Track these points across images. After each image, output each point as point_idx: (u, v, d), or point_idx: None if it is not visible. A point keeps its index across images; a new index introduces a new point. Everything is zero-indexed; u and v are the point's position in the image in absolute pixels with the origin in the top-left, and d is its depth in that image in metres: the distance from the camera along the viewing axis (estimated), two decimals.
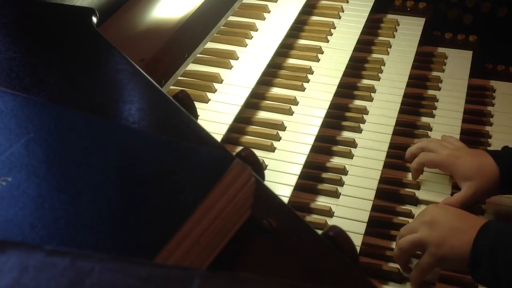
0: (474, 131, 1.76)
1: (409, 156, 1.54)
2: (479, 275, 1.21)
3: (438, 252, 1.25)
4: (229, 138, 1.47)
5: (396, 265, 1.34)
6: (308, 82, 1.67)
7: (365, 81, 1.79)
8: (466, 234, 1.23)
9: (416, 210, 1.47)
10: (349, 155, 1.54)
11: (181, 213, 0.63)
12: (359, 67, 1.84)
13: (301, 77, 1.68)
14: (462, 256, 1.22)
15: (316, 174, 1.48)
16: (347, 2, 2.00)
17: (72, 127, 0.77)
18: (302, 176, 1.41)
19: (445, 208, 1.35)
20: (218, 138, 1.37)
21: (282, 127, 1.53)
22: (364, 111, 1.68)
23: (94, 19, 1.15)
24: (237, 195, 0.69)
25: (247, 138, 1.50)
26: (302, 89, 1.65)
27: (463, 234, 1.23)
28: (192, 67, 1.58)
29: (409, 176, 1.55)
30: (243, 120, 1.54)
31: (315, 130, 1.52)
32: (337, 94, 1.64)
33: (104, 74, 1.03)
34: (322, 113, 1.57)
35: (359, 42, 1.85)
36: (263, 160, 1.41)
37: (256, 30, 1.75)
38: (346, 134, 1.61)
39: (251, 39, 1.72)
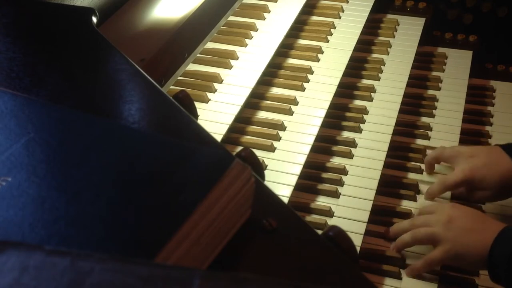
0: (474, 131, 1.76)
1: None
2: (496, 276, 1.23)
3: (451, 250, 1.27)
4: (229, 138, 1.47)
5: (396, 265, 1.34)
6: (308, 82, 1.67)
7: (365, 81, 1.79)
8: (481, 235, 1.25)
9: (416, 210, 1.47)
10: (349, 155, 1.54)
11: (181, 213, 0.63)
12: (359, 67, 1.84)
13: (301, 77, 1.68)
14: (476, 255, 1.24)
15: (316, 174, 1.48)
16: (347, 2, 2.00)
17: (72, 127, 0.77)
18: (302, 176, 1.41)
19: (462, 208, 1.35)
20: (218, 138, 1.37)
21: (282, 127, 1.53)
22: (364, 111, 1.68)
23: (94, 19, 1.15)
24: (237, 195, 0.69)
25: (247, 138, 1.50)
26: (302, 89, 1.65)
27: (478, 234, 1.25)
28: (192, 67, 1.58)
29: (409, 176, 1.55)
30: (243, 120, 1.54)
31: (315, 130, 1.52)
32: (337, 94, 1.65)
33: (104, 74, 1.03)
34: (322, 113, 1.57)
35: (359, 42, 1.85)
36: (263, 160, 1.41)
37: (256, 30, 1.75)
38: (346, 134, 1.61)
39: (251, 39, 1.72)
